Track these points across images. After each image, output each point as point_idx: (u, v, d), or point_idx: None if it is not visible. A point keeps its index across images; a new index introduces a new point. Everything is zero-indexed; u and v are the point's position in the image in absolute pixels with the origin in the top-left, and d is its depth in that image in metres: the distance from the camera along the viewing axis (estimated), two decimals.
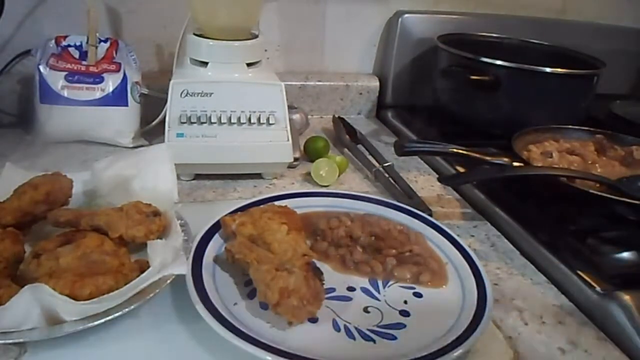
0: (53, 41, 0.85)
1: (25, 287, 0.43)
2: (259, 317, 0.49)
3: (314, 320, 0.50)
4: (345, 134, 0.96)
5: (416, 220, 0.66)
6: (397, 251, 0.60)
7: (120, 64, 0.85)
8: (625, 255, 0.65)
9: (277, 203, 0.64)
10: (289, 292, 0.47)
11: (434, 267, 0.58)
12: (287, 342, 0.46)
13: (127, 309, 0.45)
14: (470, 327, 0.48)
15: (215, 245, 0.58)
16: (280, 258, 0.53)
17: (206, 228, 0.59)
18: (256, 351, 0.43)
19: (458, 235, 0.63)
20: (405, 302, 0.54)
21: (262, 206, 0.63)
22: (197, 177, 0.78)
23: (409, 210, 0.67)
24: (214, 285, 0.52)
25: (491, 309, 0.51)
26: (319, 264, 0.57)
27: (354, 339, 0.48)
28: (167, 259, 0.50)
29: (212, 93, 0.75)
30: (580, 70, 0.92)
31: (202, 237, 0.58)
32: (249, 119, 0.75)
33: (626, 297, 0.54)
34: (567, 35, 1.15)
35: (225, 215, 0.61)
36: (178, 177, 0.64)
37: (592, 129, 0.89)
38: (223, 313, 0.47)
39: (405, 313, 0.52)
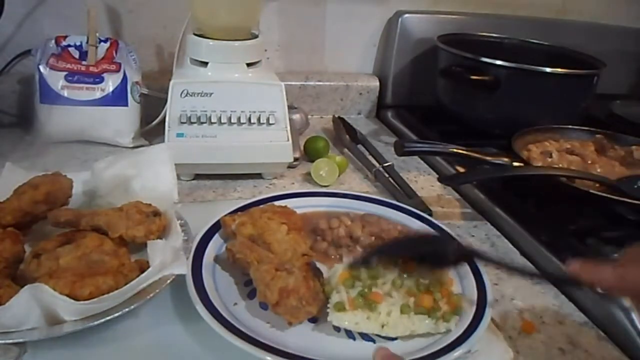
0: (53, 41, 0.85)
1: (25, 287, 0.43)
2: (259, 317, 0.49)
3: (313, 320, 0.50)
4: (345, 134, 0.96)
5: (416, 220, 0.66)
6: None
7: (120, 64, 0.85)
8: None
9: (277, 203, 0.64)
10: (288, 292, 0.47)
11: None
12: (287, 342, 0.46)
13: (127, 309, 0.45)
14: (470, 327, 0.48)
15: (215, 245, 0.58)
16: (280, 258, 0.53)
17: (206, 228, 0.59)
18: (256, 351, 0.43)
19: (458, 236, 0.63)
20: None
21: (262, 206, 0.63)
22: (197, 177, 0.78)
23: (409, 210, 0.67)
24: (214, 285, 0.52)
25: (491, 310, 0.51)
26: (318, 264, 0.57)
27: (354, 339, 0.48)
28: (167, 259, 0.50)
29: (212, 93, 0.75)
30: (580, 70, 0.92)
31: (202, 237, 0.58)
32: (249, 119, 0.75)
33: (626, 297, 0.54)
34: (567, 35, 1.15)
35: (225, 215, 0.61)
36: (178, 177, 0.64)
37: (592, 129, 0.89)
38: (223, 313, 0.47)
39: None
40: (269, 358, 0.42)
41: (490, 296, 0.52)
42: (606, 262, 0.42)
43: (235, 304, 0.51)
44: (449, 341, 0.47)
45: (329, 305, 0.48)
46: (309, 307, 0.48)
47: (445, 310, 0.49)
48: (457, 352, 0.45)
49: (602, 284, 0.42)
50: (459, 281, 0.56)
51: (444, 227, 0.64)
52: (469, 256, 0.55)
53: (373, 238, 0.61)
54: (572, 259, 0.44)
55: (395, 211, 0.67)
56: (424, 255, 0.52)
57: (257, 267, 0.51)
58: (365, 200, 0.69)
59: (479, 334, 0.47)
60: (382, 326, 0.47)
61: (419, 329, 0.48)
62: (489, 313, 0.50)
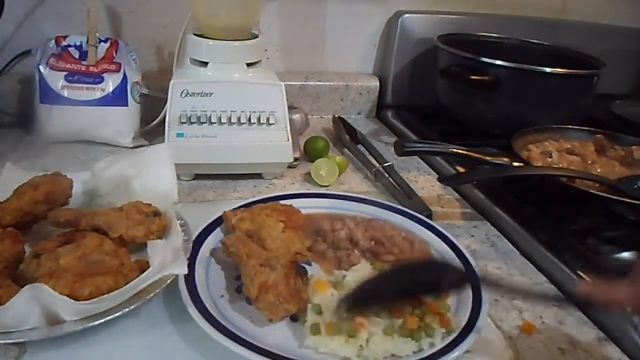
0: (53, 41, 0.85)
1: (25, 287, 0.43)
2: (243, 311, 0.50)
3: (295, 318, 0.50)
4: (345, 134, 0.96)
5: (415, 224, 0.65)
6: (396, 258, 0.59)
7: (120, 64, 0.85)
8: (625, 255, 0.65)
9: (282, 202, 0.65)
10: (268, 287, 0.48)
11: None
12: (265, 338, 0.47)
13: (126, 309, 0.45)
14: (466, 328, 0.48)
15: (215, 239, 0.60)
16: (274, 254, 0.54)
17: (209, 221, 0.61)
18: (235, 347, 0.43)
19: (457, 236, 0.63)
20: None
21: (267, 204, 0.63)
22: (197, 177, 0.78)
23: (408, 213, 0.67)
24: (206, 278, 0.54)
25: (486, 311, 0.50)
26: (314, 265, 0.57)
27: None
28: (167, 259, 0.50)
29: (212, 93, 0.75)
30: (580, 70, 0.92)
31: (203, 230, 0.59)
32: (249, 119, 0.75)
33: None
34: (567, 35, 1.15)
35: (228, 210, 0.62)
36: (178, 177, 0.64)
37: (592, 129, 0.89)
38: (206, 304, 0.48)
39: None
40: (240, 351, 0.43)
41: (483, 316, 0.50)
42: (617, 281, 0.41)
43: (222, 296, 0.52)
44: (429, 353, 0.46)
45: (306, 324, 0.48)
46: (287, 305, 0.48)
47: (430, 324, 0.47)
48: (454, 354, 0.44)
49: (615, 304, 0.41)
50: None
51: (444, 231, 0.63)
52: (467, 282, 0.52)
53: (373, 242, 0.61)
54: (582, 281, 0.43)
55: (393, 213, 0.67)
56: (418, 290, 0.50)
57: (245, 261, 0.52)
58: (364, 203, 0.68)
59: (475, 335, 0.47)
60: (361, 346, 0.46)
61: (400, 352, 0.46)
62: (484, 313, 0.49)
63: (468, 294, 0.52)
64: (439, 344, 0.46)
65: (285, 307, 0.47)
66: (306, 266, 0.57)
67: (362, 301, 0.48)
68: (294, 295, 0.48)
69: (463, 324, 0.49)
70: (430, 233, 0.63)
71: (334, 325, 0.46)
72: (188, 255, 0.53)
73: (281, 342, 0.47)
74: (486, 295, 0.52)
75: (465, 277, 0.53)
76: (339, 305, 0.48)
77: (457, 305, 0.52)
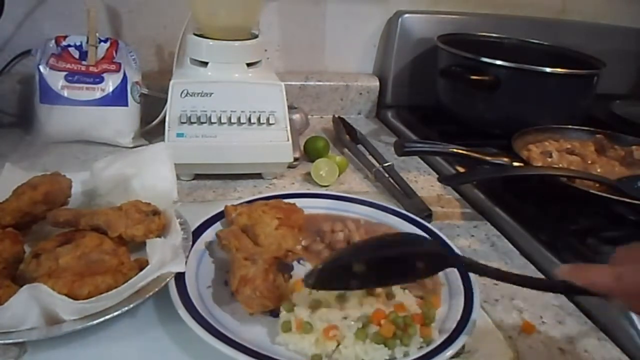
0: (53, 41, 0.85)
1: (24, 287, 0.43)
2: (226, 303, 0.50)
3: (275, 314, 0.50)
4: (345, 134, 0.96)
5: (412, 226, 0.64)
6: None
7: (120, 64, 0.85)
8: None
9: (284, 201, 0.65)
10: (246, 281, 0.48)
11: (427, 284, 0.54)
12: (243, 332, 0.47)
13: (125, 308, 0.45)
14: (458, 327, 0.47)
15: (214, 232, 0.60)
16: (266, 250, 0.54)
17: (210, 215, 0.62)
18: (214, 341, 0.44)
19: (457, 236, 0.62)
20: None
21: (270, 201, 0.63)
22: (197, 177, 0.78)
23: (404, 215, 0.66)
24: (197, 268, 0.54)
25: (470, 330, 0.47)
26: (306, 264, 0.57)
27: None
28: (166, 257, 0.50)
29: (212, 93, 0.75)
30: (580, 70, 0.92)
31: (203, 223, 0.60)
32: (249, 119, 0.75)
33: (621, 300, 0.54)
34: (567, 35, 1.15)
35: (230, 204, 0.63)
36: (178, 177, 0.64)
37: (592, 129, 0.89)
38: (192, 296, 0.49)
39: None
40: (218, 346, 0.43)
41: (465, 333, 0.47)
42: (597, 265, 0.40)
43: (209, 286, 0.53)
44: (439, 342, 0.46)
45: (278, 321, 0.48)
46: (264, 300, 0.48)
47: (409, 334, 0.46)
48: (449, 352, 0.44)
49: (597, 286, 0.39)
50: (448, 296, 0.53)
51: (439, 232, 0.62)
52: (446, 263, 0.49)
53: None
54: (561, 265, 0.41)
55: (389, 215, 0.66)
56: (392, 271, 0.46)
57: (234, 254, 0.53)
58: (362, 204, 0.68)
59: (467, 333, 0.46)
60: (331, 350, 0.45)
61: (370, 358, 0.44)
62: (476, 312, 0.49)
63: (459, 308, 0.50)
64: (414, 354, 0.45)
65: (261, 302, 0.48)
66: (301, 266, 0.57)
67: (328, 278, 0.46)
68: (272, 290, 0.48)
69: (444, 337, 0.47)
70: (427, 236, 0.62)
71: (305, 324, 0.46)
72: (187, 253, 0.54)
73: (257, 337, 0.47)
74: (476, 312, 0.50)
75: (444, 257, 0.49)
76: (304, 279, 0.46)
77: (447, 315, 0.51)
